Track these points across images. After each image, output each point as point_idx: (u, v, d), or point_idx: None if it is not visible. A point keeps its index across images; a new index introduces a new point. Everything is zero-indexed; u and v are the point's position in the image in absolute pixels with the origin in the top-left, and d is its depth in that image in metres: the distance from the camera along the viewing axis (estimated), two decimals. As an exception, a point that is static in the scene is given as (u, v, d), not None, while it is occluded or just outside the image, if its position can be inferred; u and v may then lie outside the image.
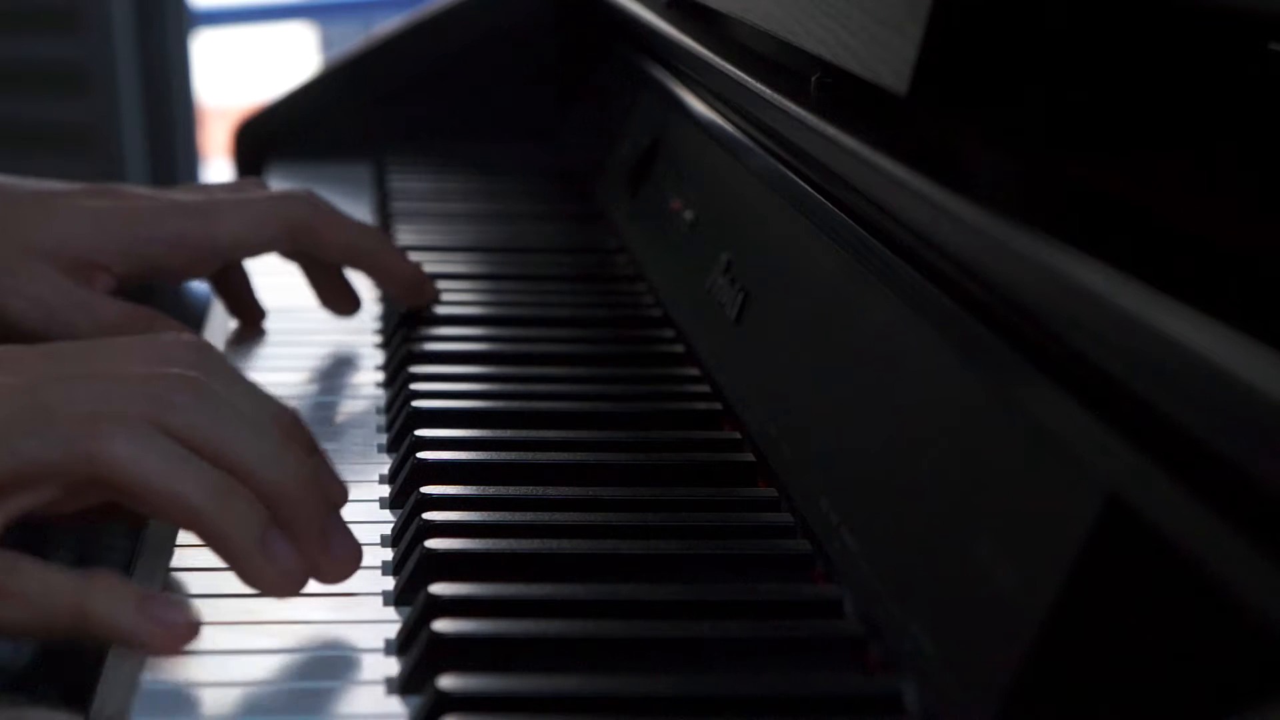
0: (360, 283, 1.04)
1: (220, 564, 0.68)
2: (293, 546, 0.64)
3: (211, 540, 0.63)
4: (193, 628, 0.62)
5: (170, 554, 0.70)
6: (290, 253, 0.98)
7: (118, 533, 1.58)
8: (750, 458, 0.78)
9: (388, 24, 1.48)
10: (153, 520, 0.74)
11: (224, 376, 0.67)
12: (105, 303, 0.92)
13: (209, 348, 0.68)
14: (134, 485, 0.62)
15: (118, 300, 0.92)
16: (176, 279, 0.96)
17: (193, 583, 0.68)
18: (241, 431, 0.64)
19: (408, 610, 0.65)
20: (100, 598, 0.62)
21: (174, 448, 0.63)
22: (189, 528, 0.64)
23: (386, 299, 1.04)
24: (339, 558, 0.66)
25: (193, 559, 0.69)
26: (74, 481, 0.63)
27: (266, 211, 0.95)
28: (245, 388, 0.67)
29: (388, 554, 0.71)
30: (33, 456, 0.63)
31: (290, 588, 0.64)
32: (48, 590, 0.62)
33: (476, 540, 0.69)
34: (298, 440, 0.67)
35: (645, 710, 0.58)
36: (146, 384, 0.64)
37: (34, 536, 0.68)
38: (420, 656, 0.60)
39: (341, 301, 1.01)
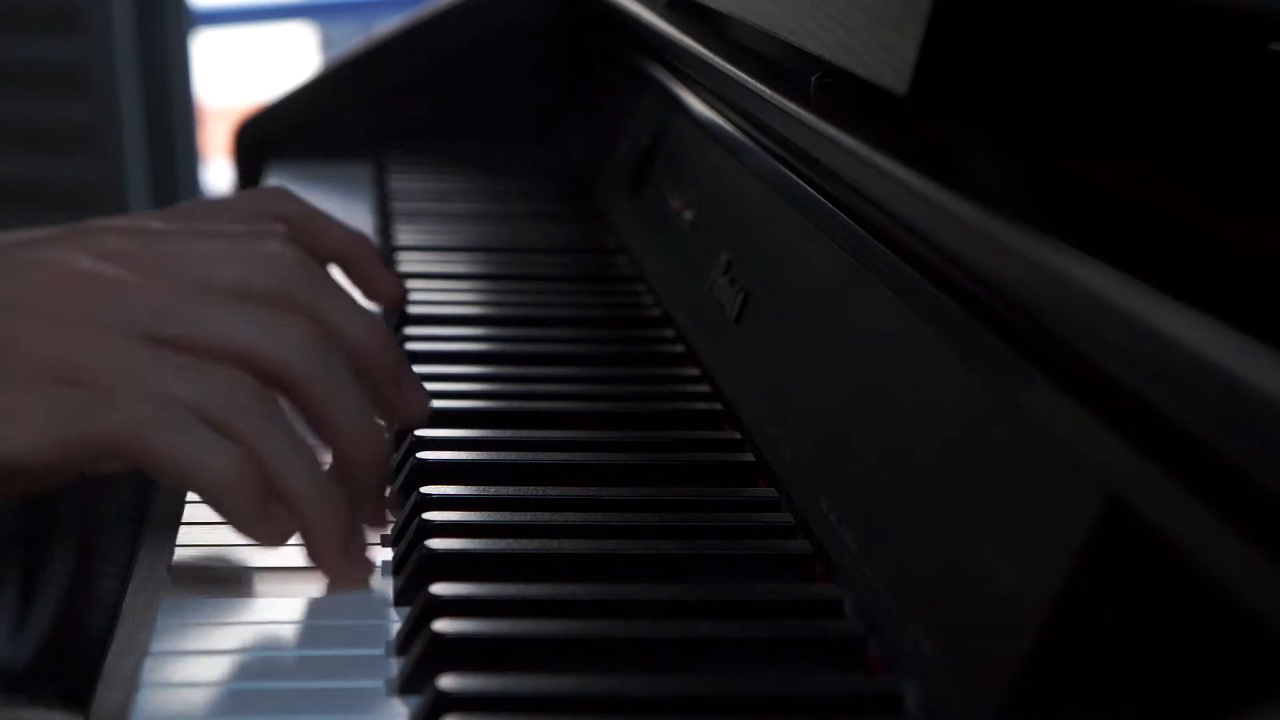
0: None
1: (219, 563, 0.68)
2: (362, 543, 0.70)
3: (309, 540, 0.68)
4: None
5: (171, 553, 0.70)
6: None
7: (118, 533, 1.58)
8: (750, 458, 0.78)
9: (388, 24, 1.48)
10: (152, 520, 0.74)
11: (329, 298, 0.74)
12: None
13: (308, 261, 0.75)
14: (271, 477, 0.67)
15: None
16: None
17: (193, 583, 0.68)
18: (332, 389, 0.69)
19: (408, 610, 0.65)
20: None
21: (301, 444, 0.68)
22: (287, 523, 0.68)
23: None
24: (413, 398, 0.76)
25: (192, 557, 0.69)
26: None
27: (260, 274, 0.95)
28: (349, 306, 0.75)
29: (388, 554, 0.71)
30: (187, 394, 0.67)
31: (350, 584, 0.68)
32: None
33: (476, 540, 0.69)
34: (383, 359, 0.74)
35: (645, 710, 0.58)
36: (274, 326, 0.69)
37: (34, 536, 0.68)
38: (420, 656, 0.60)
39: None
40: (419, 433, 0.79)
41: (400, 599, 0.67)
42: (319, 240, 0.95)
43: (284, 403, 0.70)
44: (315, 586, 0.68)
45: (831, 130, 0.73)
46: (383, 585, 0.68)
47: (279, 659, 0.63)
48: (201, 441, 0.65)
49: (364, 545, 0.70)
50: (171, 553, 0.70)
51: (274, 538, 0.67)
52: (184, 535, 0.71)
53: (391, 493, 0.74)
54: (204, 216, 0.84)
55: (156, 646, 0.63)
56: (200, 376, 0.67)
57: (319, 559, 0.68)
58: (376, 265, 0.98)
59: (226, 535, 0.69)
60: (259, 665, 0.62)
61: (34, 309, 0.68)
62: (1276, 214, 0.61)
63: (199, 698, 0.60)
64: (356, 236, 0.98)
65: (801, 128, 0.77)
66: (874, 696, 0.59)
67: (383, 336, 0.74)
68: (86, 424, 0.65)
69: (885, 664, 0.61)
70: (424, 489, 0.73)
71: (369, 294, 0.98)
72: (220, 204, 0.93)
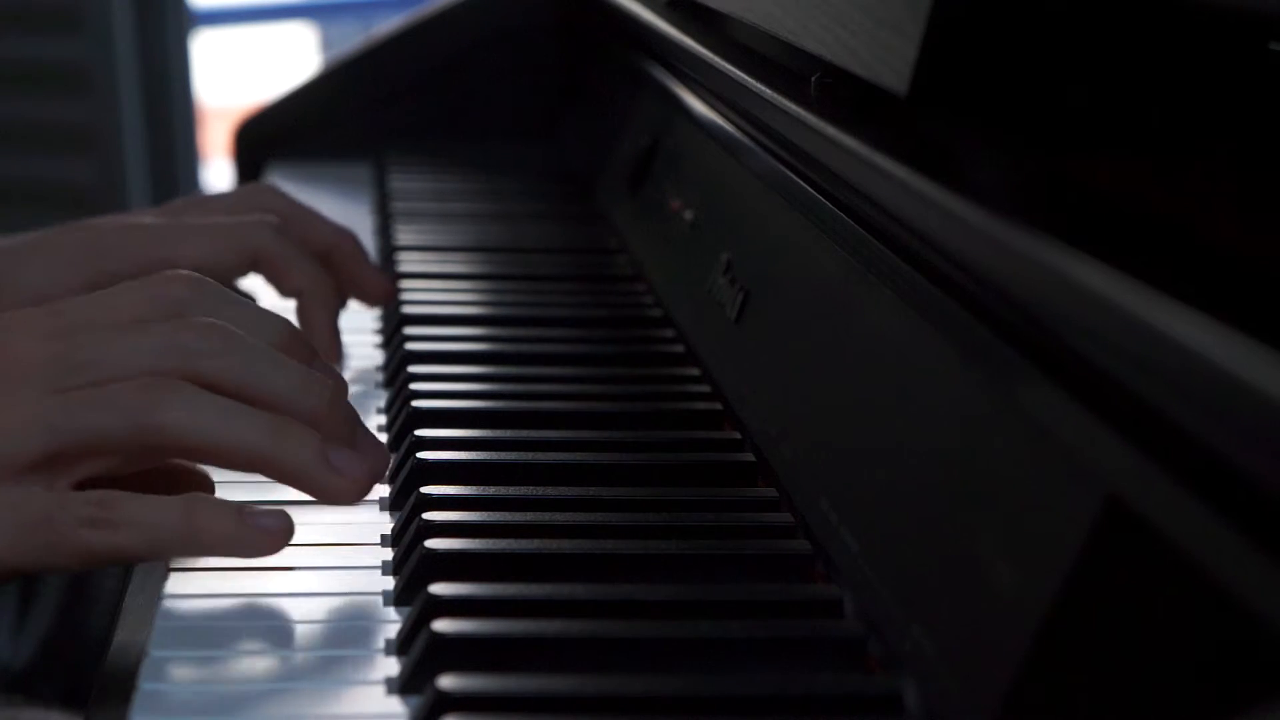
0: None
1: (218, 563, 0.68)
2: (351, 453, 0.70)
3: (281, 475, 0.69)
4: (288, 529, 0.67)
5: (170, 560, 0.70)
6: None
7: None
8: (750, 458, 0.78)
9: (388, 24, 1.48)
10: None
11: (227, 306, 0.72)
12: None
13: (202, 280, 0.73)
14: (198, 445, 0.68)
15: None
16: None
17: (192, 583, 0.68)
18: (267, 367, 0.69)
19: (408, 610, 0.65)
20: (204, 513, 0.67)
21: (222, 401, 0.68)
22: (257, 469, 0.69)
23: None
24: (370, 454, 0.71)
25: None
26: (134, 450, 0.68)
27: (230, 237, 0.94)
28: (247, 313, 0.73)
29: (388, 554, 0.71)
30: (94, 429, 0.67)
31: (364, 491, 0.70)
32: (157, 514, 0.67)
33: (476, 540, 0.69)
34: (298, 351, 0.72)
35: (645, 710, 0.58)
36: (175, 335, 0.69)
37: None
38: (420, 656, 0.60)
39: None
40: (419, 433, 0.79)
41: (400, 599, 0.67)
42: (305, 237, 0.96)
43: None
44: (314, 586, 0.68)
45: (831, 130, 0.73)
46: (383, 585, 0.68)
47: (279, 659, 0.63)
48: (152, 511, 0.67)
49: (369, 435, 0.72)
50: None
51: (263, 545, 0.68)
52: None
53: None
54: (196, 213, 0.85)
55: (156, 646, 0.63)
56: (94, 397, 0.68)
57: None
58: (362, 262, 0.98)
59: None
60: (259, 665, 0.62)
61: None
62: (1276, 214, 0.61)
63: (199, 697, 0.60)
64: (342, 233, 0.99)
65: (801, 128, 0.77)
66: (874, 696, 0.59)
67: (331, 400, 0.71)
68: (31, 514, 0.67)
69: (885, 664, 0.61)
70: (424, 489, 0.73)
71: (356, 292, 0.98)
72: (212, 200, 0.94)
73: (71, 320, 0.71)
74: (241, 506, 0.68)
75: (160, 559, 0.69)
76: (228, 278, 0.95)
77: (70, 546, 0.66)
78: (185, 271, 0.74)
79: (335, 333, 0.95)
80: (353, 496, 0.70)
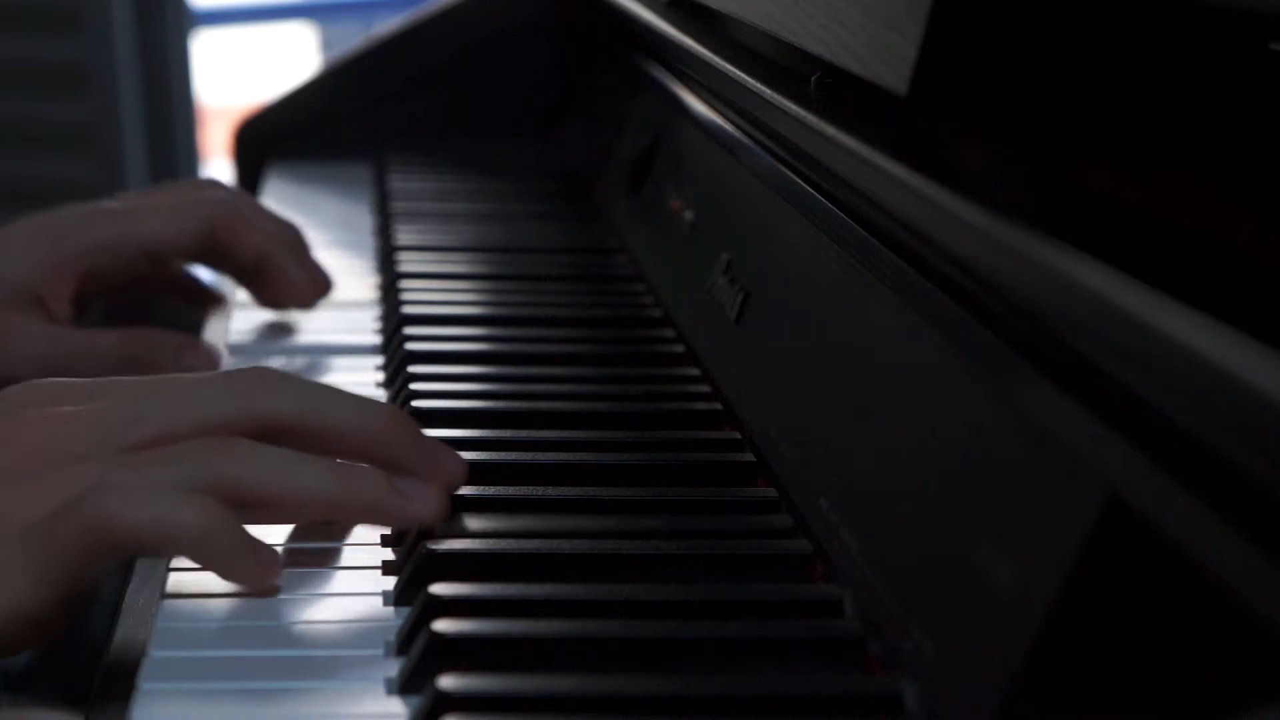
0: (351, 281, 1.04)
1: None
2: (415, 478, 0.69)
3: (354, 516, 0.70)
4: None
5: (170, 561, 0.70)
6: (205, 256, 0.99)
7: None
8: (750, 458, 0.78)
9: (388, 24, 1.48)
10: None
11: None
12: (99, 336, 0.92)
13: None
14: (267, 496, 0.66)
15: (107, 330, 0.92)
16: (111, 288, 0.97)
17: (191, 583, 0.68)
18: (323, 404, 0.69)
19: (408, 610, 0.65)
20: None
21: (285, 453, 0.67)
22: (331, 515, 0.70)
23: (387, 298, 1.04)
24: (448, 464, 0.71)
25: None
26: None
27: (185, 209, 0.96)
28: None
29: (388, 554, 0.71)
30: (171, 482, 0.65)
31: (440, 515, 0.70)
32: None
33: (476, 540, 0.69)
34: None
35: (645, 710, 0.58)
36: (232, 383, 0.69)
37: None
38: (420, 656, 0.60)
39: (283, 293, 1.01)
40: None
41: (400, 599, 0.67)
42: (243, 243, 0.97)
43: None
44: (314, 586, 0.68)
45: (831, 130, 0.73)
46: (383, 585, 0.68)
47: (279, 659, 0.63)
48: (165, 504, 0.64)
49: (440, 446, 0.72)
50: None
51: (263, 581, 0.66)
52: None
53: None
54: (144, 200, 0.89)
55: (156, 647, 0.63)
56: (160, 455, 0.66)
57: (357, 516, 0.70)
58: (294, 264, 0.99)
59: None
60: (259, 665, 0.62)
61: None
62: (1276, 214, 0.61)
63: (199, 698, 0.60)
64: (286, 225, 1.01)
65: (801, 128, 0.77)
66: (874, 696, 0.59)
67: (391, 421, 0.71)
68: (59, 540, 0.64)
69: (885, 664, 0.61)
70: (424, 489, 0.73)
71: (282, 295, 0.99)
72: (158, 189, 0.97)
73: (109, 380, 0.70)
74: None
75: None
76: (188, 250, 0.97)
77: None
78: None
79: (315, 268, 1.00)
80: (430, 519, 0.69)
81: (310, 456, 0.68)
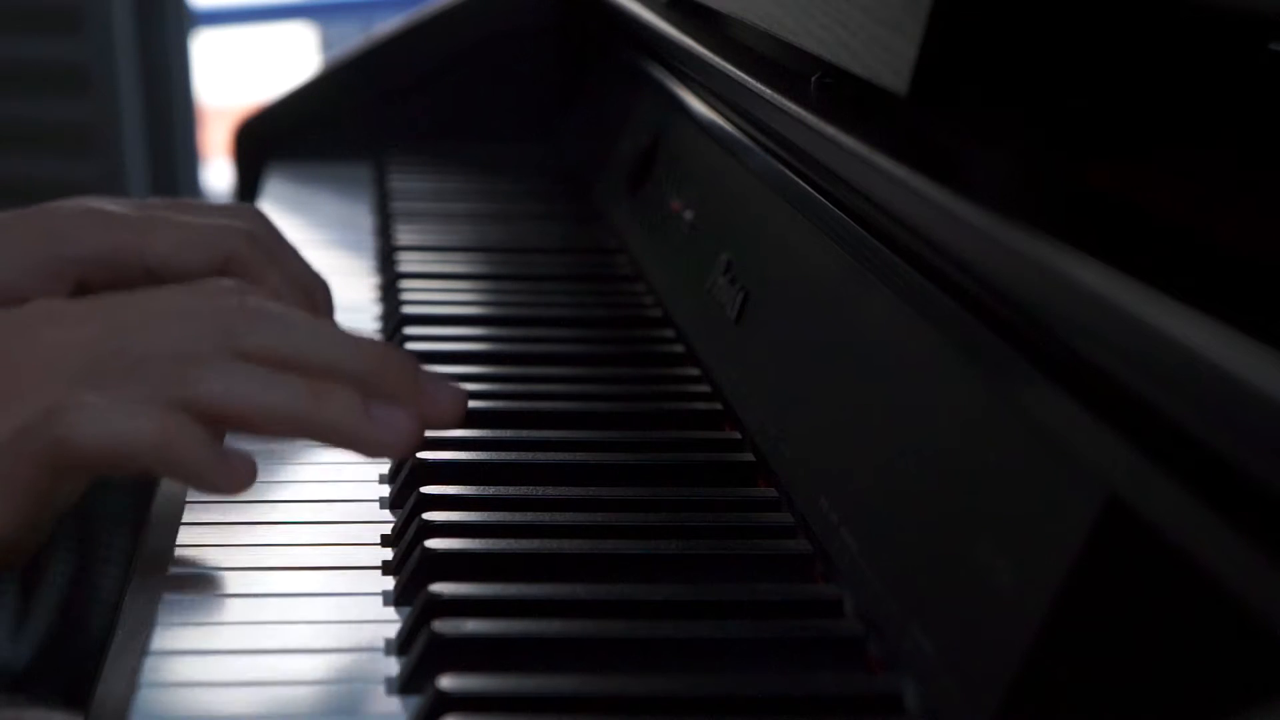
0: (351, 281, 1.04)
1: (218, 563, 0.68)
2: (395, 407, 0.68)
3: (323, 436, 0.68)
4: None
5: (172, 552, 0.70)
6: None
7: (118, 533, 1.58)
8: (750, 458, 0.78)
9: (388, 24, 1.48)
10: (152, 520, 0.74)
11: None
12: None
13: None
14: (234, 413, 0.67)
15: None
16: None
17: (192, 583, 0.68)
18: (306, 336, 0.69)
19: (408, 610, 0.65)
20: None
21: (258, 370, 0.67)
22: (298, 434, 0.69)
23: (387, 298, 1.04)
24: (441, 399, 0.70)
25: (192, 557, 0.69)
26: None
27: (202, 237, 0.89)
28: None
29: (388, 554, 0.71)
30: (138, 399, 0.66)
31: (410, 445, 0.69)
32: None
33: (476, 540, 0.69)
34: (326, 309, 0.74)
35: (645, 710, 0.58)
36: (216, 318, 0.69)
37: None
38: (420, 656, 0.60)
39: None
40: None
41: (400, 599, 0.67)
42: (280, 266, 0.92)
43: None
44: (314, 585, 0.68)
45: (831, 130, 0.73)
46: (383, 585, 0.68)
47: (279, 659, 0.63)
48: (123, 418, 0.65)
49: (437, 379, 0.71)
50: (172, 552, 0.70)
51: (233, 483, 0.66)
52: (184, 535, 0.71)
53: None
54: (170, 211, 0.87)
55: (156, 646, 0.63)
56: (125, 374, 0.67)
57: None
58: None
59: (227, 536, 0.70)
60: (259, 665, 0.62)
61: None
62: (1276, 214, 0.61)
63: (199, 698, 0.60)
64: (317, 280, 0.91)
65: (801, 128, 0.77)
66: (874, 696, 0.59)
67: (379, 353, 0.71)
68: (23, 459, 0.65)
69: (885, 664, 0.61)
70: (424, 489, 0.73)
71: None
72: (191, 203, 0.93)
73: (107, 306, 0.71)
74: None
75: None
76: (194, 278, 0.89)
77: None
78: (228, 281, 0.74)
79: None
80: (400, 452, 0.70)
81: (283, 375, 0.68)
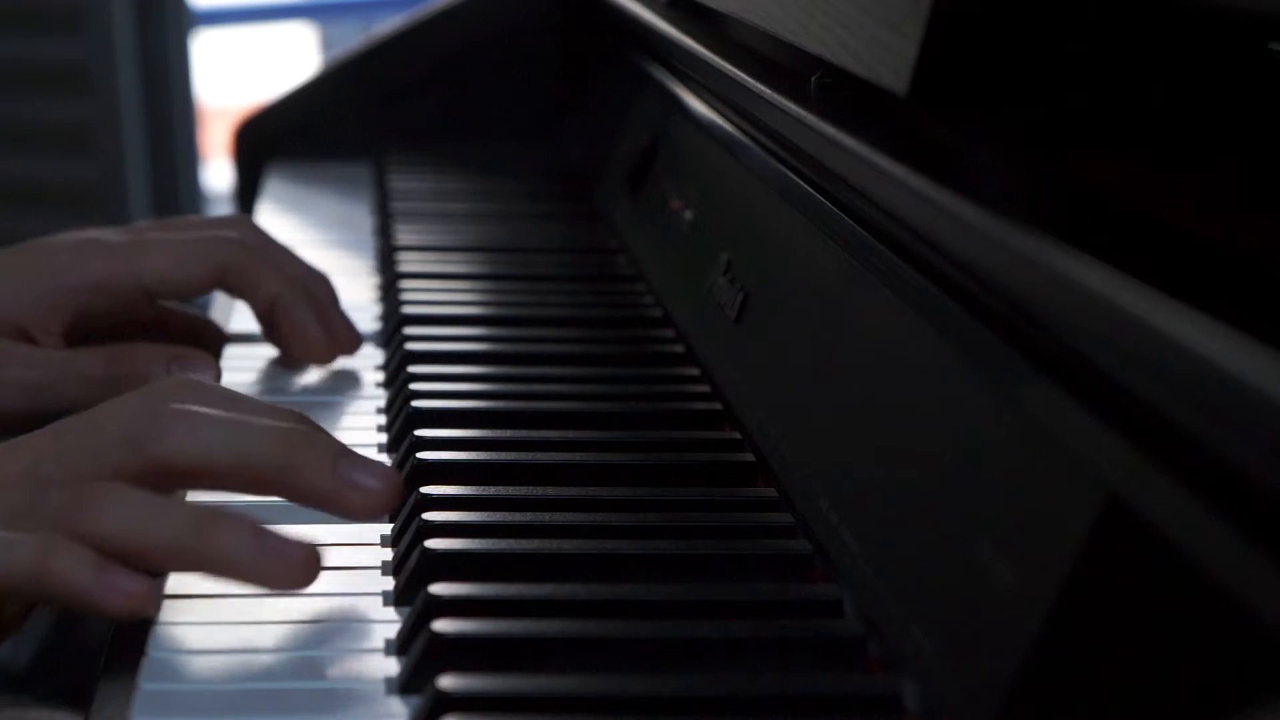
0: (352, 281, 1.04)
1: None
2: (285, 537, 0.65)
3: (212, 570, 0.65)
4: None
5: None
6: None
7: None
8: (750, 458, 0.78)
9: (388, 24, 1.48)
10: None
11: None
12: (82, 356, 0.89)
13: (198, 384, 0.70)
14: (121, 548, 0.64)
15: (93, 348, 0.89)
16: (109, 325, 0.92)
17: (192, 583, 0.68)
18: (217, 434, 0.67)
19: (408, 610, 0.65)
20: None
21: (150, 501, 0.65)
22: (188, 569, 0.66)
23: (387, 298, 1.04)
24: (363, 496, 0.67)
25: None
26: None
27: (194, 250, 0.91)
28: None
29: (388, 554, 0.71)
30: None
31: (302, 576, 0.65)
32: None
33: (476, 540, 0.69)
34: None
35: (645, 710, 0.58)
36: (126, 429, 0.67)
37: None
38: (420, 656, 0.60)
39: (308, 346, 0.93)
40: (419, 433, 0.79)
41: (400, 599, 0.67)
42: (256, 289, 0.91)
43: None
44: (313, 586, 0.68)
45: (831, 130, 0.73)
46: (383, 585, 0.68)
47: (279, 659, 0.63)
48: (9, 548, 0.64)
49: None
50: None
51: (124, 604, 0.64)
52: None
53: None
54: (161, 232, 0.86)
55: (156, 646, 0.63)
56: (22, 509, 0.66)
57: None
58: (332, 310, 0.93)
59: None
60: (259, 665, 0.62)
61: None
62: (1276, 214, 0.61)
63: (199, 698, 0.60)
64: (316, 275, 0.94)
65: (801, 128, 0.77)
66: (874, 696, 0.59)
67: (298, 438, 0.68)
68: None
69: (885, 664, 0.61)
70: (424, 489, 0.73)
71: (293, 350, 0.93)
72: (180, 220, 0.92)
73: (50, 432, 0.69)
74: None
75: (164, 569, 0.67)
76: (193, 292, 0.92)
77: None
78: (184, 378, 0.72)
79: (340, 323, 0.93)
80: (290, 583, 0.65)
81: (174, 505, 0.65)
